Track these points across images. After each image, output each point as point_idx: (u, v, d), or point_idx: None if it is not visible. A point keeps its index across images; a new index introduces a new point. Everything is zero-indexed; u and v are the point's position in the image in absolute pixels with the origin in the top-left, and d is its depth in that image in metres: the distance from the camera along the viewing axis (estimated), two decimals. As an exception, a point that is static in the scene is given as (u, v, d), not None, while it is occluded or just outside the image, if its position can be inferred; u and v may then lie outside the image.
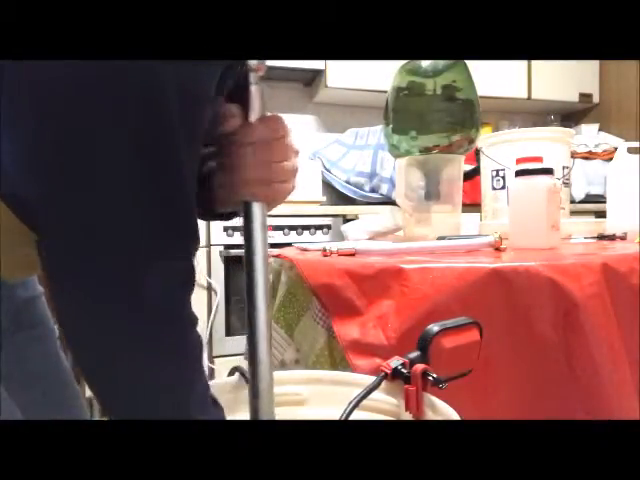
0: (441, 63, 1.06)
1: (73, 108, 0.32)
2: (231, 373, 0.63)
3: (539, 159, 1.00)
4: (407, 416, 0.57)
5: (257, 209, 0.47)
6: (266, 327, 0.46)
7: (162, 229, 0.37)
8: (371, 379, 0.58)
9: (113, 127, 0.33)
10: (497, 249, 0.95)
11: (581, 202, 2.42)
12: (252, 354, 0.45)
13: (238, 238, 1.97)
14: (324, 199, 2.27)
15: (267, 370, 0.45)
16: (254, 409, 0.44)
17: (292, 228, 2.02)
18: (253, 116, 0.46)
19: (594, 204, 2.37)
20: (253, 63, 0.44)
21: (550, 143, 1.31)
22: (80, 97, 0.32)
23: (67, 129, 0.32)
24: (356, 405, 0.54)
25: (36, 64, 0.31)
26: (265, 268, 0.47)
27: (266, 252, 0.47)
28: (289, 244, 1.46)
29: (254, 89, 0.46)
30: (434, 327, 0.58)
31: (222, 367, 1.89)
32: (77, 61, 0.30)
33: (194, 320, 0.41)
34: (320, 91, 2.56)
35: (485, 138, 1.37)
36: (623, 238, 1.22)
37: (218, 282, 1.95)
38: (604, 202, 1.35)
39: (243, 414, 0.60)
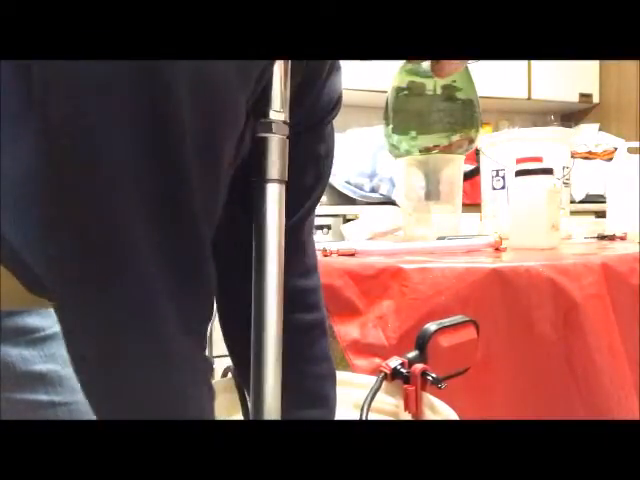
0: (441, 63, 1.06)
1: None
2: (224, 374, 0.63)
3: (539, 159, 1.00)
4: (406, 416, 0.57)
5: (274, 189, 0.40)
6: (277, 320, 0.41)
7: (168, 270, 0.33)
8: (370, 379, 0.58)
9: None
10: (497, 249, 0.95)
11: (581, 202, 2.41)
12: (258, 350, 0.41)
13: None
14: (324, 199, 2.27)
15: (274, 369, 0.41)
16: (257, 409, 0.41)
17: (292, 228, 2.02)
18: None
19: (594, 204, 2.36)
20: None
21: (550, 143, 1.31)
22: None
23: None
24: (369, 408, 0.54)
25: None
26: (280, 258, 0.41)
27: (282, 237, 0.41)
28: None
29: None
30: (431, 326, 0.58)
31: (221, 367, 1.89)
32: None
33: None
34: (320, 91, 2.56)
35: (485, 138, 1.37)
36: (623, 238, 1.22)
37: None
38: (604, 202, 1.35)
39: (240, 415, 0.60)
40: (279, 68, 0.39)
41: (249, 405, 0.42)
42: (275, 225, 0.41)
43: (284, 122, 0.40)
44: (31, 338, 0.57)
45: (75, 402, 0.60)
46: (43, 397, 0.57)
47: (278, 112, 0.39)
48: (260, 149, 0.40)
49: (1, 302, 0.38)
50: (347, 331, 0.74)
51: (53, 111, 0.29)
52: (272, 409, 0.41)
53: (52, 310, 0.60)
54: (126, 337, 0.33)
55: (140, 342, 0.33)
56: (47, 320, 0.59)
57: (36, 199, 0.32)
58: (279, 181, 0.41)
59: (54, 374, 0.58)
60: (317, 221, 2.04)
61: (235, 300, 0.51)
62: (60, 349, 0.60)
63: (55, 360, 0.59)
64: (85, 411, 0.61)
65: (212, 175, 0.34)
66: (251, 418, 0.41)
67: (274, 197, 0.40)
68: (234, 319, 0.53)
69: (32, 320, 0.57)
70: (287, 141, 0.41)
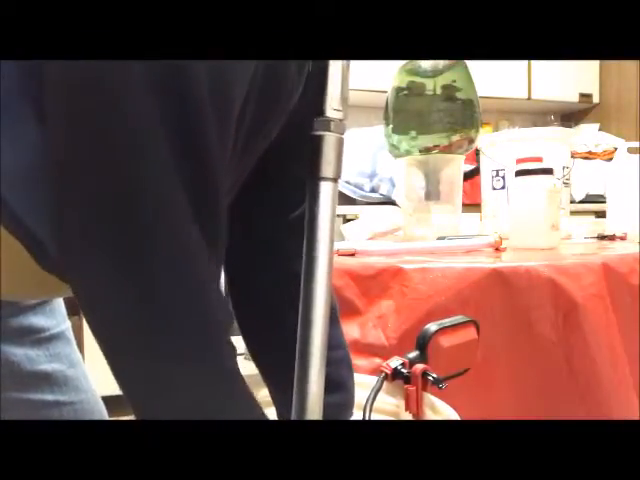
0: (441, 63, 1.06)
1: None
2: None
3: (539, 159, 1.00)
4: (407, 416, 0.57)
5: (328, 188, 0.39)
6: (324, 317, 0.40)
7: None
8: (371, 379, 0.58)
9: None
10: (497, 249, 0.95)
11: (581, 202, 2.41)
12: (304, 348, 0.40)
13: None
14: (324, 199, 2.26)
15: (319, 369, 0.40)
16: (300, 408, 0.40)
17: (292, 228, 2.01)
18: None
19: (594, 204, 2.36)
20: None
21: (550, 143, 1.31)
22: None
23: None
24: (371, 408, 0.54)
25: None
26: (330, 257, 0.39)
27: (333, 236, 0.40)
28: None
29: None
30: (432, 326, 0.58)
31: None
32: None
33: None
34: (320, 91, 2.55)
35: (485, 138, 1.37)
36: (623, 238, 1.22)
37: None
38: (604, 202, 1.35)
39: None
40: (338, 67, 0.39)
41: (293, 403, 0.41)
42: (327, 225, 0.40)
43: (341, 120, 0.39)
44: (36, 338, 0.57)
45: (80, 402, 0.60)
46: (48, 397, 0.57)
47: (337, 110, 0.39)
48: (315, 147, 0.39)
49: (19, 288, 0.38)
50: (347, 331, 0.74)
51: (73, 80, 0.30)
52: (315, 408, 0.40)
53: (57, 310, 0.61)
54: (165, 293, 0.32)
55: (177, 298, 0.33)
56: (52, 320, 0.59)
57: (51, 179, 0.32)
58: (333, 180, 0.40)
59: (59, 374, 0.59)
60: (317, 221, 2.03)
61: (251, 294, 0.52)
62: (65, 349, 0.60)
63: (60, 360, 0.59)
64: (90, 410, 0.61)
65: (225, 120, 0.34)
66: (293, 416, 0.40)
67: (327, 196, 0.40)
68: (252, 312, 0.53)
69: (37, 320, 0.58)
70: (344, 140, 0.40)
